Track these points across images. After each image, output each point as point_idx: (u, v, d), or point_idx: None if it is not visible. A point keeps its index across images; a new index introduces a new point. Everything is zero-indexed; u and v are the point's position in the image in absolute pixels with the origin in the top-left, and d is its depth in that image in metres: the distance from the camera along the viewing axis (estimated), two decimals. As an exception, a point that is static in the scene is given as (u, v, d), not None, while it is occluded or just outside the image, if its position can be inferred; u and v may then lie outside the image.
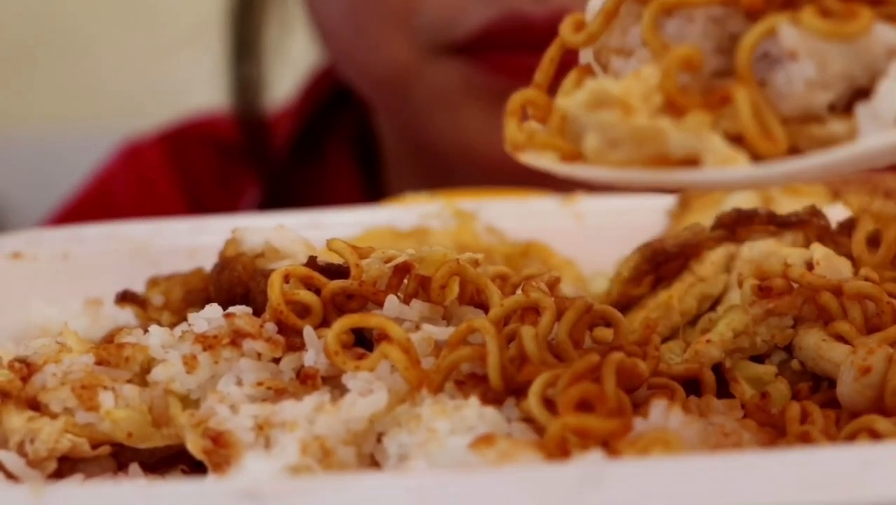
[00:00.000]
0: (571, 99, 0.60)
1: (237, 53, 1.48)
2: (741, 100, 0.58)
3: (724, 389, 0.73)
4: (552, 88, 0.65)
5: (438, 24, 1.19)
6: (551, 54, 0.65)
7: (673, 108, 0.59)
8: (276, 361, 0.70)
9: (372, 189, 1.45)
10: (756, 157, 0.58)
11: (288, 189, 1.44)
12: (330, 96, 1.50)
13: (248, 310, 0.73)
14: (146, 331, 0.73)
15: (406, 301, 0.72)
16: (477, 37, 1.18)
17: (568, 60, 0.65)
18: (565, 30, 0.64)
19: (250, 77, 1.47)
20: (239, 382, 0.69)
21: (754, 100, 0.58)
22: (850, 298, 0.72)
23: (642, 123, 0.58)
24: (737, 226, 0.82)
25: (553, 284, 0.74)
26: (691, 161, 0.58)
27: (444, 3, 1.19)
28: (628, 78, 0.59)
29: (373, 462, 0.67)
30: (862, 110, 0.58)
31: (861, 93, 0.59)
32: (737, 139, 0.58)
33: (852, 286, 0.72)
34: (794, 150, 0.59)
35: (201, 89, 1.77)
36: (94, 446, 0.70)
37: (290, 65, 1.54)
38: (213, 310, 0.73)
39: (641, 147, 0.58)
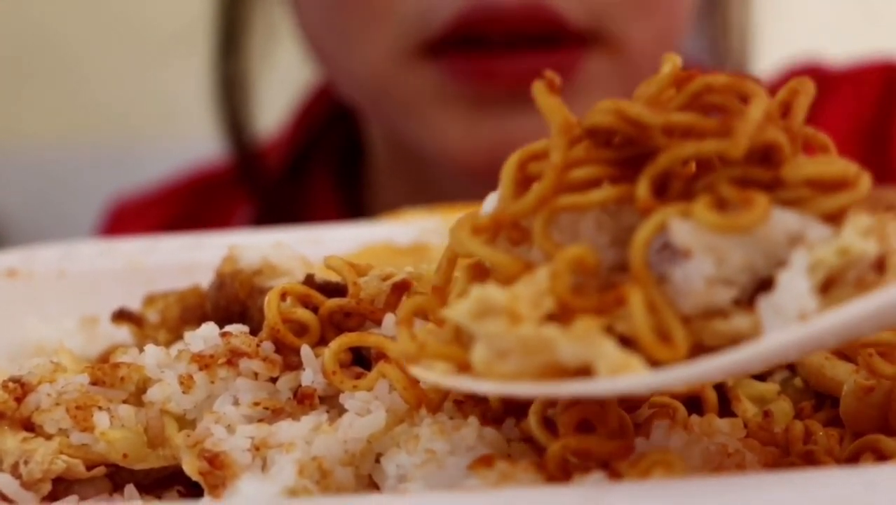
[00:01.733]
0: (457, 308, 0.57)
1: (221, 56, 1.49)
2: (635, 304, 0.55)
3: (726, 408, 0.72)
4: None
5: (412, 20, 1.20)
6: (448, 255, 0.63)
7: (566, 311, 0.55)
8: (273, 380, 0.70)
9: (353, 208, 1.45)
10: (655, 361, 0.55)
11: (275, 211, 1.45)
12: (322, 120, 1.51)
13: (245, 328, 0.72)
14: (142, 349, 0.73)
15: (404, 319, 0.71)
16: (450, 30, 1.18)
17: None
18: (462, 233, 0.60)
19: (235, 80, 1.48)
20: (235, 402, 0.69)
21: (650, 301, 0.55)
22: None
23: (529, 333, 0.55)
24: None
25: (553, 302, 0.74)
26: (586, 370, 0.55)
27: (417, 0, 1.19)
28: (520, 282, 0.56)
29: (371, 483, 0.66)
30: (764, 304, 0.55)
31: (766, 283, 0.55)
32: (636, 341, 0.55)
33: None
34: (698, 346, 0.55)
35: (193, 101, 1.77)
36: (90, 467, 0.69)
37: (278, 76, 1.54)
38: (210, 328, 0.72)
39: (531, 357, 0.55)
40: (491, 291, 0.56)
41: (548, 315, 0.55)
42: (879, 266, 0.56)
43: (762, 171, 0.57)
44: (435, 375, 0.59)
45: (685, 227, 0.55)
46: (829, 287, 0.55)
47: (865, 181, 0.58)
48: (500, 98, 1.20)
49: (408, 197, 1.31)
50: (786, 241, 0.56)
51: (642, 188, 0.57)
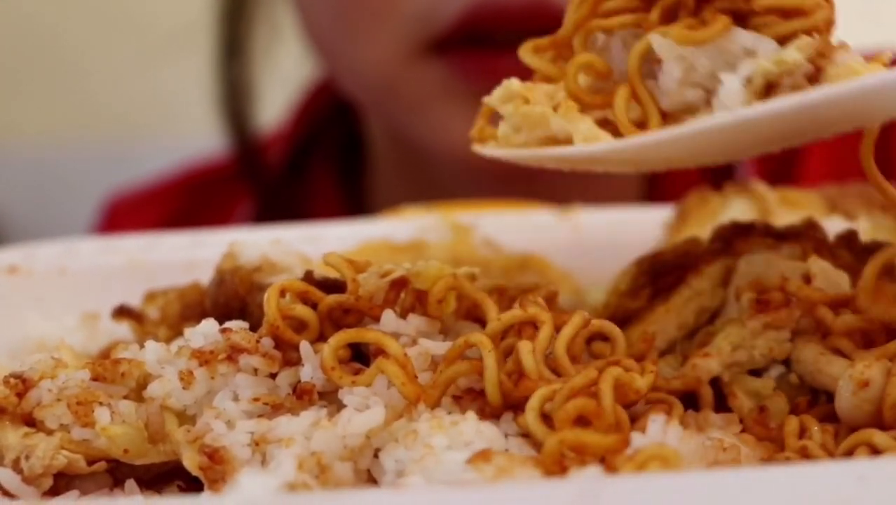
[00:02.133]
0: (492, 96, 0.75)
1: (225, 56, 1.49)
2: (619, 95, 0.71)
3: (722, 404, 0.72)
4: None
5: (418, 18, 1.20)
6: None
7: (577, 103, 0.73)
8: (273, 376, 0.70)
9: (354, 204, 1.45)
10: None
11: (276, 207, 1.45)
12: (321, 116, 1.51)
13: (245, 325, 0.72)
14: (142, 346, 0.73)
15: (403, 316, 0.71)
16: (456, 28, 1.18)
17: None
18: (525, 50, 0.77)
19: (238, 81, 1.48)
20: (235, 398, 0.69)
21: (637, 95, 0.71)
22: (841, 335, 0.72)
23: (530, 111, 0.72)
24: (734, 239, 0.82)
25: (551, 298, 0.74)
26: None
27: None
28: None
29: (370, 478, 0.66)
30: (715, 100, 0.69)
31: None
32: (639, 125, 0.71)
33: (843, 323, 0.72)
34: None
35: (193, 98, 1.77)
36: (91, 463, 0.69)
37: (280, 74, 1.54)
38: (210, 325, 0.72)
39: (534, 131, 0.72)
40: (513, 82, 0.74)
41: (557, 105, 0.72)
42: (816, 77, 0.68)
43: (742, 3, 0.70)
44: (486, 149, 0.76)
45: (662, 41, 0.70)
46: (770, 92, 0.68)
47: (823, 12, 0.69)
48: None
49: (409, 193, 1.31)
50: (743, 55, 0.69)
51: (654, 14, 0.71)
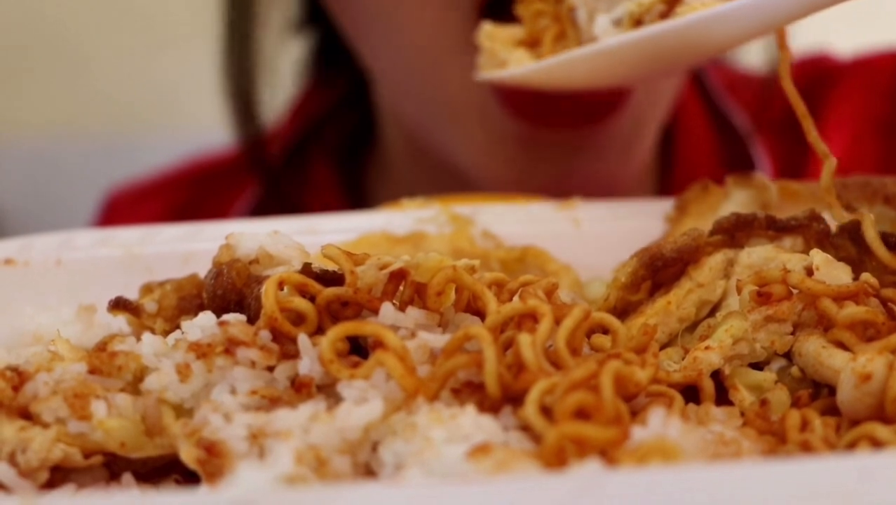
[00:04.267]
0: (480, 32, 1.01)
1: (232, 45, 1.47)
2: (548, 33, 0.96)
3: (723, 397, 0.72)
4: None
5: None
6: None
7: (531, 38, 0.99)
8: (271, 369, 0.70)
9: (354, 197, 1.44)
10: None
11: (276, 199, 1.45)
12: (320, 110, 1.50)
13: (242, 317, 0.72)
14: (139, 338, 0.73)
15: (402, 308, 0.71)
16: None
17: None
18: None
19: (245, 69, 1.47)
20: (233, 391, 0.69)
21: (566, 34, 0.95)
22: (844, 328, 0.71)
23: (489, 45, 1.00)
24: (735, 231, 0.81)
25: (550, 291, 0.74)
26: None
27: None
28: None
29: (368, 471, 0.66)
30: (598, 32, 0.92)
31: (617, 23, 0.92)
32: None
33: (846, 315, 0.71)
34: None
35: (193, 91, 1.76)
36: (87, 456, 0.69)
37: (285, 66, 1.54)
38: (207, 318, 0.72)
39: (495, 58, 0.99)
40: (486, 25, 1.01)
41: (518, 41, 1.00)
42: (667, 14, 0.86)
43: None
44: (482, 74, 1.02)
45: None
46: (637, 27, 0.88)
47: None
48: (555, 141, 1.19)
49: (428, 183, 1.29)
50: None
51: None
